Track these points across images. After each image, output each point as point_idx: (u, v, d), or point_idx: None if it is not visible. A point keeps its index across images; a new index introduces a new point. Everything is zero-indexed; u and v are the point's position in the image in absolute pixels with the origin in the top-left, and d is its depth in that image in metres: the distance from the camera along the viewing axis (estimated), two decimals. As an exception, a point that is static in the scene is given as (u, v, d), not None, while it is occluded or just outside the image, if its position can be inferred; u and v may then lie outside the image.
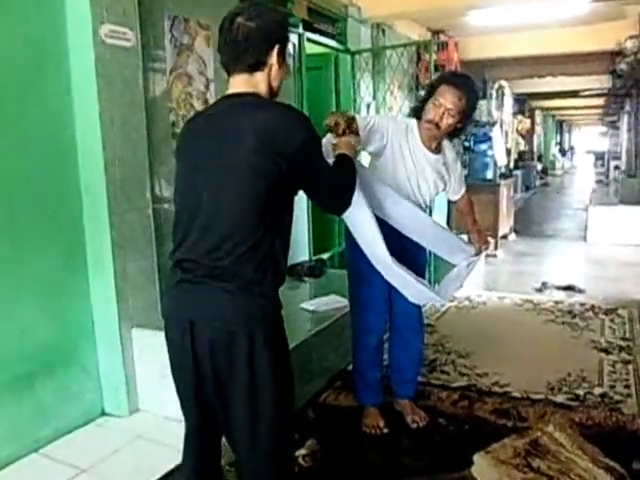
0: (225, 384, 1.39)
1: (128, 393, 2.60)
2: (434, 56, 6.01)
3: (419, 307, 2.64)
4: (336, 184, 1.51)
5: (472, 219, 2.73)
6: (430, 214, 4.82)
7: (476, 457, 2.28)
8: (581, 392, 2.88)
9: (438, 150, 2.53)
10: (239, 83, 1.45)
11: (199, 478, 1.60)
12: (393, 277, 2.35)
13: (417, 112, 2.48)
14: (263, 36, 1.41)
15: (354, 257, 2.46)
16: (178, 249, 1.43)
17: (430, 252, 2.90)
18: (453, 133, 2.52)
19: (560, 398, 2.81)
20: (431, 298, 2.52)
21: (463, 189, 2.70)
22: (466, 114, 2.40)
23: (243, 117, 1.36)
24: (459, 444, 2.41)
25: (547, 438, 2.41)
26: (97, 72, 2.42)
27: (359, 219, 2.21)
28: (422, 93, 5.20)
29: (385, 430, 2.54)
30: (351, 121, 2.04)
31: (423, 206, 2.57)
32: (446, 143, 2.57)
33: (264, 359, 1.37)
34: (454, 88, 2.34)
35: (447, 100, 2.34)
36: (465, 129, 2.60)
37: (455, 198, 2.72)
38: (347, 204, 1.54)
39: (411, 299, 2.47)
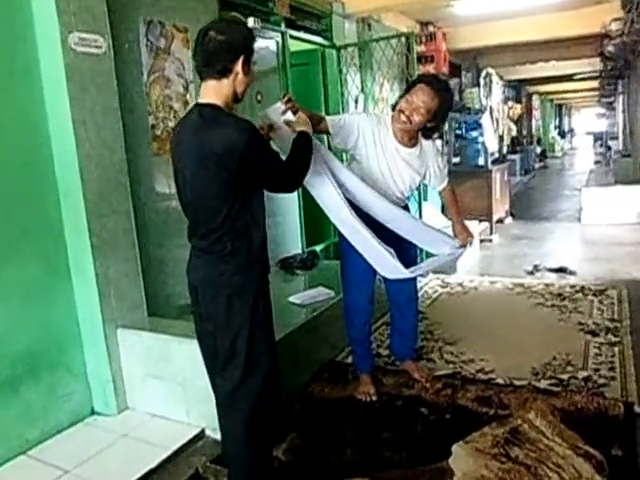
0: (214, 329, 1.74)
1: (115, 392, 2.53)
2: (422, 47, 5.85)
3: (413, 280, 2.69)
4: (287, 171, 1.76)
5: (455, 210, 2.72)
6: (420, 206, 4.79)
7: (455, 447, 2.16)
8: (565, 377, 2.75)
9: (413, 144, 2.49)
10: (209, 89, 1.67)
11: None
12: (362, 246, 2.33)
13: (394, 106, 2.46)
14: (230, 48, 1.62)
15: (341, 241, 2.52)
16: (189, 233, 1.80)
17: None
18: (426, 133, 2.49)
19: (543, 384, 2.68)
20: (397, 269, 2.36)
21: (445, 182, 2.67)
22: (437, 115, 2.38)
23: (204, 135, 1.61)
24: (440, 434, 2.30)
25: (527, 426, 2.28)
26: (68, 80, 2.32)
27: (322, 192, 2.20)
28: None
29: (374, 397, 2.62)
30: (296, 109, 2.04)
31: (399, 195, 2.52)
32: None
33: (240, 314, 1.69)
34: (428, 88, 2.33)
35: (419, 98, 2.33)
36: (439, 129, 2.59)
37: (437, 189, 2.72)
38: (298, 184, 1.85)
39: (380, 271, 2.44)
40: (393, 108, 2.46)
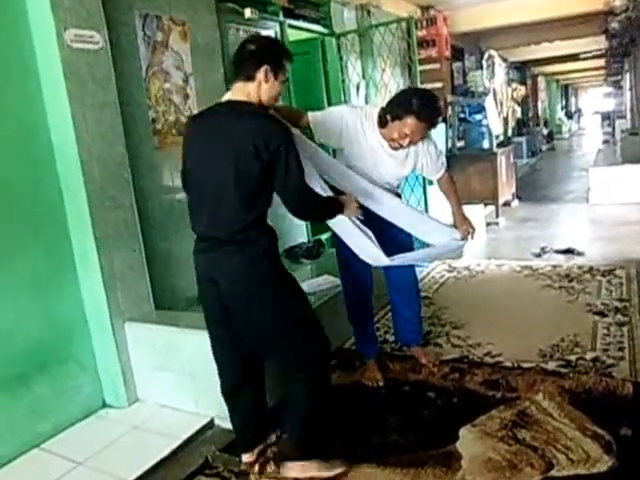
0: (241, 314, 1.83)
1: (125, 384, 2.54)
2: (424, 32, 5.76)
3: (411, 265, 2.65)
4: (302, 188, 1.81)
5: (455, 201, 2.63)
6: (425, 191, 4.73)
7: (462, 431, 2.14)
8: (573, 358, 2.71)
9: None
10: (237, 89, 1.82)
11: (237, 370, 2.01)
12: (342, 230, 2.29)
13: (381, 121, 2.36)
14: (255, 57, 1.79)
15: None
16: (197, 226, 1.85)
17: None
18: None
19: (551, 365, 2.65)
20: (377, 256, 2.33)
21: (442, 170, 2.60)
22: (427, 132, 2.38)
23: (240, 124, 1.73)
24: (447, 418, 2.28)
25: (535, 408, 2.26)
26: (65, 76, 2.31)
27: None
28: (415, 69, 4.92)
29: (381, 383, 2.60)
30: None
31: (387, 187, 2.48)
32: None
33: (263, 294, 1.80)
34: (422, 122, 2.27)
35: (414, 134, 2.29)
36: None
37: (434, 178, 2.64)
38: (308, 211, 1.94)
39: (359, 255, 2.37)
40: (380, 118, 2.36)
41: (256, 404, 2.08)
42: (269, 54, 1.81)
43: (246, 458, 2.07)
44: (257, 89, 1.79)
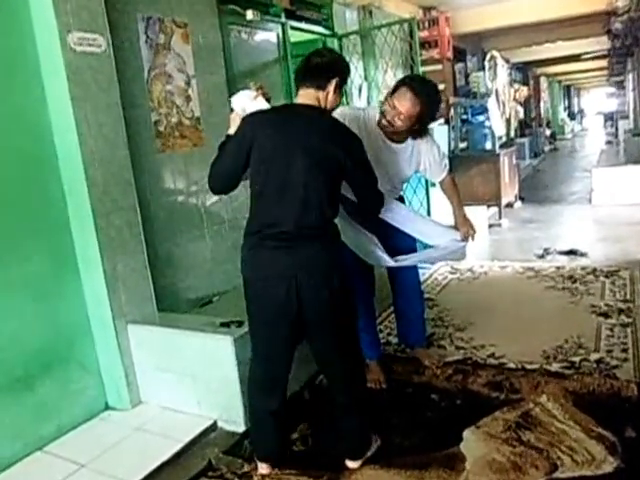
0: (319, 302, 1.86)
1: (128, 387, 2.55)
2: (426, 33, 5.77)
3: (415, 266, 2.69)
4: (378, 187, 2.00)
5: (457, 202, 2.65)
6: (427, 192, 4.73)
7: (466, 433, 2.15)
8: (577, 359, 2.71)
9: (402, 139, 2.44)
10: (307, 95, 1.90)
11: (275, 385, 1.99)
12: (350, 238, 2.31)
13: (382, 106, 2.39)
14: (327, 69, 1.90)
15: None
16: (266, 222, 1.83)
17: None
18: (412, 134, 2.43)
19: (555, 367, 2.65)
20: (380, 257, 2.38)
21: (444, 172, 2.61)
22: (421, 120, 2.33)
23: (324, 126, 1.88)
24: (451, 420, 2.28)
25: (539, 409, 2.26)
26: (69, 79, 2.32)
27: None
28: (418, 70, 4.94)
29: (384, 385, 2.59)
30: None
31: (389, 188, 2.47)
32: None
33: (344, 284, 1.92)
34: (411, 94, 2.27)
35: (402, 105, 2.28)
36: (426, 130, 2.47)
37: (437, 180, 2.66)
38: (379, 210, 2.10)
39: (364, 257, 2.40)
40: (382, 105, 2.39)
41: (284, 411, 2.05)
42: (339, 69, 1.94)
43: (264, 469, 2.04)
44: (325, 97, 1.91)
